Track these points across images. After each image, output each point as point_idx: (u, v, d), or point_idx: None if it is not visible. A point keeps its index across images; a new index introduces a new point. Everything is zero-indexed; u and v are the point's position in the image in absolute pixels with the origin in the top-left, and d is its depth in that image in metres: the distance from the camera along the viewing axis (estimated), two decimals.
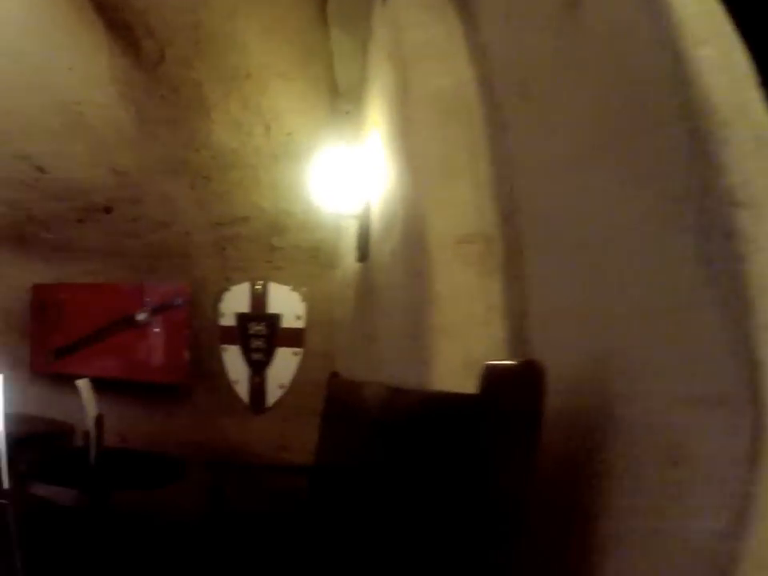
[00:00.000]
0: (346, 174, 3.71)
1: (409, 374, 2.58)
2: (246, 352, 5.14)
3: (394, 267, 2.98)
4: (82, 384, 4.09)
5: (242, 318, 5.17)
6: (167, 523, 4.24)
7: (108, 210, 5.31)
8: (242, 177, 4.80)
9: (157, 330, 5.39)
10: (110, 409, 4.42)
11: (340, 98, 4.56)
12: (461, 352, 2.36)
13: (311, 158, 3.95)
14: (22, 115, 4.40)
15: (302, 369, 4.99)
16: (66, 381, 5.36)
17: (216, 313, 5.25)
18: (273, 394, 5.08)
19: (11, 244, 5.71)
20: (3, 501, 2.46)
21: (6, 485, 2.44)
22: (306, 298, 5.02)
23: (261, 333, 5.11)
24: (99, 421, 4.15)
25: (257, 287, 5.15)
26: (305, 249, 5.03)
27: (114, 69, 4.27)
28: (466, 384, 1.75)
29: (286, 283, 5.08)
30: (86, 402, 4.05)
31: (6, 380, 5.17)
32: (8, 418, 4.94)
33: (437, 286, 2.42)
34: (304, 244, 5.01)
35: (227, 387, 5.18)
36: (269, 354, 5.09)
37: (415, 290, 2.59)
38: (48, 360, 5.76)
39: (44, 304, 5.81)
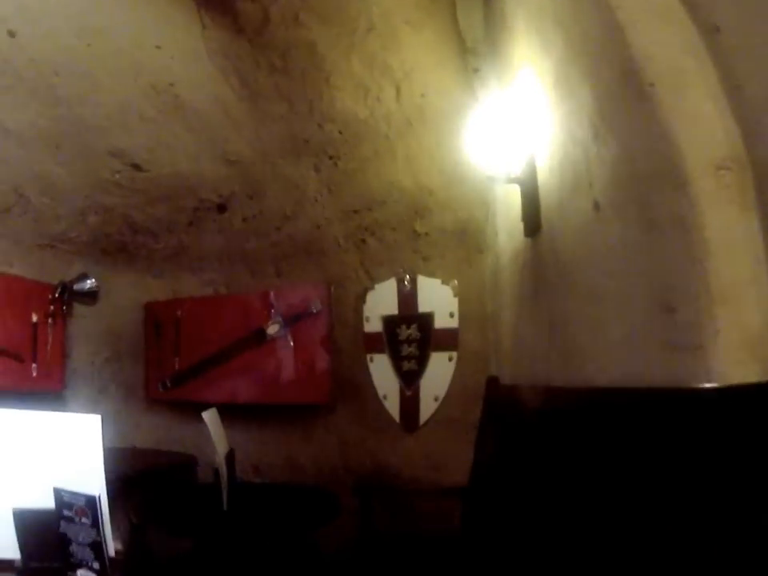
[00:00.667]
0: (497, 133, 3.02)
1: (649, 363, 1.81)
2: (396, 361, 4.45)
3: (600, 226, 2.14)
4: (209, 416, 3.46)
5: (389, 321, 4.51)
6: (312, 556, 3.62)
7: (222, 207, 4.84)
8: (375, 151, 4.15)
9: (292, 343, 4.80)
10: (240, 437, 4.09)
11: (467, 55, 3.81)
12: (738, 324, 1.61)
13: (449, 121, 3.58)
14: (109, 105, 3.91)
15: (456, 375, 4.28)
16: (185, 407, 5.11)
17: (359, 317, 4.63)
18: (427, 408, 4.37)
19: (113, 258, 5.28)
20: (115, 555, 1.89)
21: (111, 551, 1.87)
22: (458, 292, 4.30)
23: (412, 337, 4.40)
24: (231, 457, 3.52)
25: (404, 283, 4.46)
26: (451, 232, 4.33)
27: (208, 41, 3.71)
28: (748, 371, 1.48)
29: (433, 275, 4.40)
30: (213, 436, 3.41)
31: (111, 414, 4.87)
32: (120, 453, 4.60)
33: (706, 233, 1.65)
34: (450, 226, 4.32)
35: (375, 403, 4.55)
36: (422, 362, 4.37)
37: (660, 246, 1.77)
38: (166, 386, 5.31)
39: (158, 324, 5.38)
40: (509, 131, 3.00)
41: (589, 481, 2.00)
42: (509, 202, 3.38)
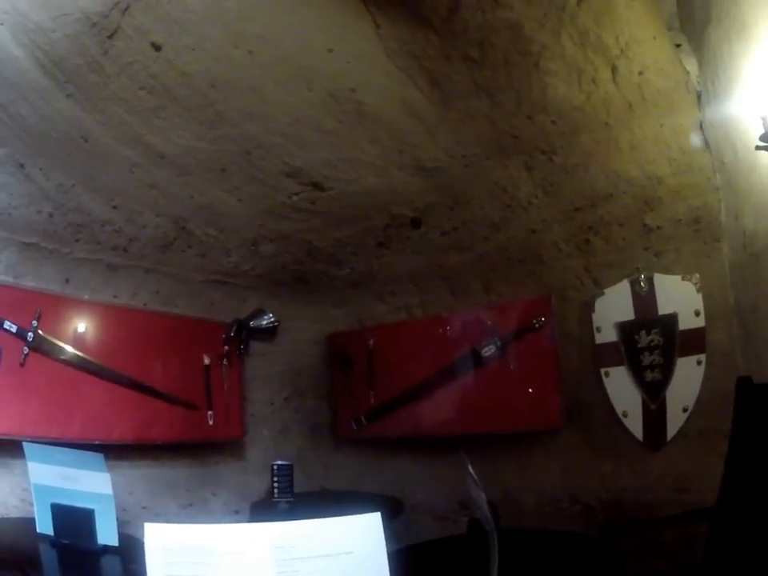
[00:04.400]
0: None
1: None
2: (637, 372, 4.07)
3: None
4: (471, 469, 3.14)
5: (625, 328, 4.13)
6: None
7: (417, 222, 4.58)
8: (595, 141, 3.82)
9: (511, 365, 4.49)
10: (447, 472, 3.97)
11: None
12: None
13: (669, 100, 3.44)
14: (280, 119, 3.66)
15: (705, 380, 3.89)
16: (380, 445, 4.96)
17: (586, 328, 4.30)
18: (674, 421, 3.96)
19: (290, 290, 5.12)
20: None
21: None
22: (702, 287, 3.92)
23: (655, 343, 4.02)
24: (494, 510, 3.19)
25: (640, 284, 4.10)
26: (685, 222, 3.96)
27: (385, 40, 3.41)
28: None
29: (671, 272, 4.03)
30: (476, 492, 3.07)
31: (295, 455, 4.74)
32: (311, 497, 4.44)
33: None
34: (684, 217, 3.95)
35: (611, 422, 4.18)
36: (667, 370, 3.97)
37: None
38: (360, 423, 5.10)
39: (345, 356, 5.21)
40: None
41: None
42: (760, 177, 3.03)
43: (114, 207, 3.92)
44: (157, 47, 3.05)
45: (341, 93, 3.57)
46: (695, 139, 3.67)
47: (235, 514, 4.58)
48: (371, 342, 5.08)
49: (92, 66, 3.03)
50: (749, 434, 2.81)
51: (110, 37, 2.91)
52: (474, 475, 3.11)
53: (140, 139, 3.54)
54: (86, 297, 4.14)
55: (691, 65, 3.54)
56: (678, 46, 3.53)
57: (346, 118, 3.73)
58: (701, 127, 3.64)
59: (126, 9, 2.83)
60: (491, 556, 2.90)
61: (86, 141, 3.45)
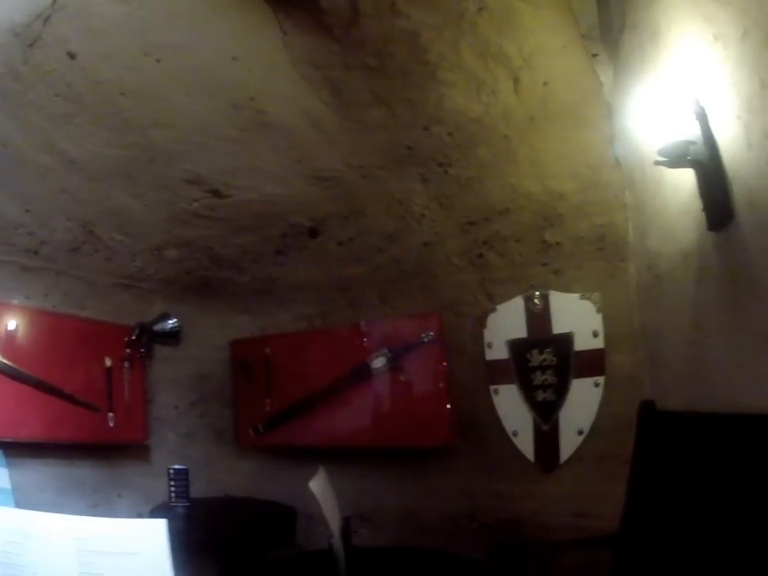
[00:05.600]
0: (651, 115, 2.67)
1: None
2: (528, 391, 4.00)
3: None
4: (317, 485, 3.04)
5: (517, 345, 4.07)
6: None
7: (314, 232, 4.52)
8: (492, 154, 3.70)
9: (402, 378, 4.39)
10: (344, 484, 3.72)
11: (583, 40, 3.38)
12: None
13: (576, 114, 3.34)
14: (184, 127, 3.63)
15: (604, 404, 3.82)
16: (281, 452, 4.95)
17: (479, 344, 4.20)
18: (568, 443, 3.91)
19: (195, 295, 5.03)
20: None
21: None
22: (602, 307, 3.83)
23: (547, 363, 3.94)
24: (346, 528, 3.08)
25: (534, 301, 4.02)
26: (588, 240, 3.88)
27: (290, 48, 3.36)
28: None
29: (570, 290, 3.94)
30: (325, 511, 2.96)
31: (201, 461, 4.79)
32: (211, 503, 4.37)
33: None
34: (586, 234, 3.87)
35: (503, 442, 4.12)
36: (561, 391, 3.90)
37: None
38: (258, 431, 5.00)
39: (247, 364, 5.08)
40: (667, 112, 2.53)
41: None
42: (666, 196, 2.91)
43: (27, 211, 3.87)
44: (72, 56, 3.07)
45: (241, 101, 3.55)
46: (605, 154, 3.55)
47: (137, 517, 4.43)
48: (268, 350, 4.98)
49: (12, 73, 3.05)
50: (651, 461, 2.77)
51: (30, 46, 2.95)
52: (324, 509, 3.01)
53: (54, 145, 3.53)
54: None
55: (607, 75, 3.40)
56: (595, 55, 3.36)
57: (247, 127, 3.70)
58: (612, 143, 3.52)
59: (48, 18, 2.86)
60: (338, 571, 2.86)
61: (6, 147, 3.44)
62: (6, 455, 3.50)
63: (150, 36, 3.09)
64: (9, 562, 1.77)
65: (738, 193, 2.18)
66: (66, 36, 2.94)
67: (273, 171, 3.99)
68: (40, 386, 4.07)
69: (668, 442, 2.71)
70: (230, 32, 3.23)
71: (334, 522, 3.04)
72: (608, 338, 3.81)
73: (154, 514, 4.30)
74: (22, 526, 1.80)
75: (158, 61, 3.18)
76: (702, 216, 2.38)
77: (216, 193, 4.08)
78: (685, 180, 2.57)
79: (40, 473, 4.02)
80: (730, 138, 2.19)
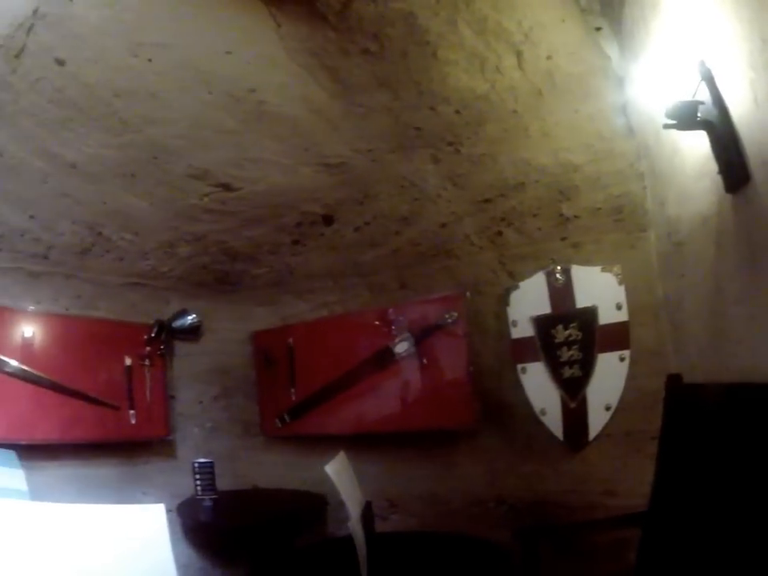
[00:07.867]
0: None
1: None
2: (555, 368, 3.95)
3: None
4: (334, 469, 3.06)
5: (541, 322, 4.02)
6: None
7: (329, 219, 4.51)
8: (503, 130, 3.65)
9: (424, 360, 4.40)
10: (371, 470, 3.91)
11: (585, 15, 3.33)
12: None
13: (583, 85, 3.30)
14: (182, 122, 3.61)
15: (630, 378, 3.76)
16: (309, 441, 4.96)
17: (503, 323, 4.16)
18: (596, 420, 3.85)
19: (212, 290, 5.10)
20: None
21: None
22: (624, 279, 3.78)
23: (573, 338, 3.89)
24: (367, 512, 3.10)
25: (556, 276, 3.97)
26: (606, 212, 3.82)
27: (286, 39, 3.30)
28: None
29: (591, 263, 3.89)
30: (343, 494, 2.98)
31: (227, 454, 4.89)
32: (240, 495, 4.39)
33: None
34: (603, 206, 3.81)
35: (530, 421, 4.08)
36: (587, 367, 3.85)
37: None
38: (284, 421, 5.07)
39: (269, 354, 5.13)
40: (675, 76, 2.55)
41: None
42: (681, 161, 2.88)
43: (31, 217, 3.94)
44: (60, 62, 3.09)
45: (241, 94, 3.51)
46: (617, 124, 3.51)
47: (168, 513, 4.51)
48: (291, 339, 5.02)
49: (2, 84, 3.09)
50: (679, 436, 2.73)
51: (17, 56, 2.97)
52: (342, 493, 3.03)
53: (50, 150, 3.57)
54: (8, 304, 4.17)
55: (612, 48, 3.35)
56: (599, 29, 3.31)
57: (248, 118, 3.67)
58: (625, 112, 3.48)
59: (30, 28, 2.88)
60: (359, 557, 2.86)
61: (1, 155, 3.50)
62: (23, 458, 3.56)
63: (136, 37, 3.07)
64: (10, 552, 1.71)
65: (752, 153, 2.14)
66: (51, 44, 2.97)
67: (280, 161, 3.97)
68: (58, 388, 4.17)
69: (696, 415, 2.67)
70: (220, 27, 3.20)
71: (354, 506, 3.06)
72: (631, 311, 3.75)
73: (181, 508, 4.38)
74: (22, 516, 1.74)
75: (149, 60, 3.17)
76: (719, 179, 2.35)
77: (225, 186, 4.10)
78: (698, 143, 2.53)
79: (58, 475, 4.09)
80: (738, 98, 2.16)
